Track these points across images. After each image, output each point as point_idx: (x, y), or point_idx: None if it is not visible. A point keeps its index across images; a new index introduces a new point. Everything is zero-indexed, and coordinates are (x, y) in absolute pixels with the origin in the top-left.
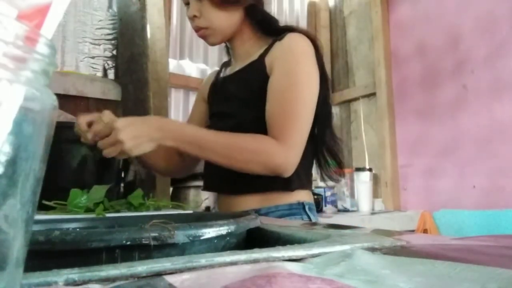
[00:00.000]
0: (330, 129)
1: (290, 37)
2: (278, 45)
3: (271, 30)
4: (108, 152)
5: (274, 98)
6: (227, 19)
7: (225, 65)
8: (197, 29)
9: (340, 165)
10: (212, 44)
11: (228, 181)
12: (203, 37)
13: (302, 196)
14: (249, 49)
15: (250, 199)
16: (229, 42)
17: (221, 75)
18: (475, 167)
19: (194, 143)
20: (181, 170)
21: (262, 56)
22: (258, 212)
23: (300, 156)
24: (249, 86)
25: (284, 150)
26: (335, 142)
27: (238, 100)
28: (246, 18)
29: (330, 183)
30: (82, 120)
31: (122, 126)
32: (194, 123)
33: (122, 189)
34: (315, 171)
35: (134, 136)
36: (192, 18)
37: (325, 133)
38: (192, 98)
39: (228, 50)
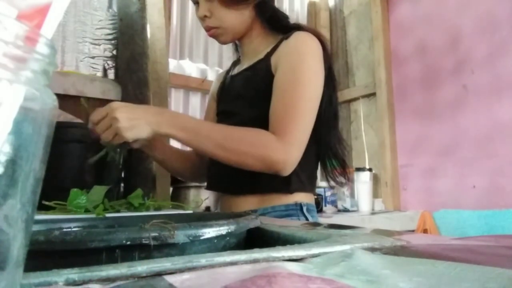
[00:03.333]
0: (335, 131)
1: (297, 36)
2: (284, 44)
3: (280, 27)
4: (106, 136)
5: (277, 95)
6: (238, 18)
7: (235, 63)
8: (208, 29)
9: (343, 166)
10: (224, 43)
11: (230, 181)
12: (214, 36)
13: (301, 197)
14: (257, 47)
15: (249, 200)
16: (238, 40)
17: (230, 73)
18: (475, 167)
19: (190, 130)
20: (202, 175)
21: (268, 55)
22: (254, 212)
23: (300, 155)
24: (254, 84)
25: (283, 147)
26: (341, 144)
27: (243, 98)
28: (256, 15)
29: (332, 183)
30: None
31: (118, 105)
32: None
33: (122, 189)
34: (319, 173)
35: (129, 117)
36: (203, 18)
37: (330, 134)
38: (192, 98)
39: (236, 48)
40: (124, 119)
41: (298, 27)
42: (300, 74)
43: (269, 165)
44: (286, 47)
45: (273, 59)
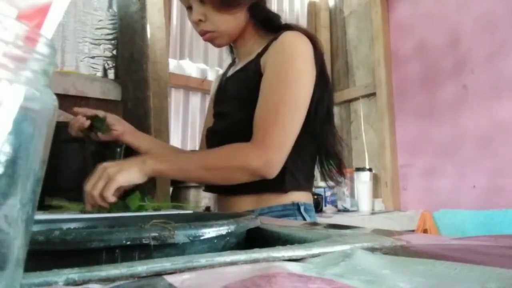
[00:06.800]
0: (331, 129)
1: (284, 36)
2: (273, 45)
3: (271, 27)
4: (104, 190)
5: (262, 98)
6: (233, 21)
7: (231, 65)
8: (203, 33)
9: (340, 166)
10: (219, 46)
11: None
12: (210, 40)
13: (298, 197)
14: (251, 48)
15: (246, 200)
16: (232, 42)
17: (226, 75)
18: (475, 167)
19: (172, 160)
20: None
21: (259, 56)
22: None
23: (283, 156)
24: (246, 85)
25: (261, 152)
26: (336, 143)
27: (236, 100)
28: (249, 17)
29: (330, 182)
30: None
31: (104, 164)
32: (209, 124)
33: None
34: (316, 171)
35: (115, 165)
36: (197, 22)
37: (325, 133)
38: (192, 98)
39: (231, 50)
40: (111, 167)
41: (287, 27)
42: (285, 75)
43: (251, 172)
44: (275, 47)
45: (263, 60)
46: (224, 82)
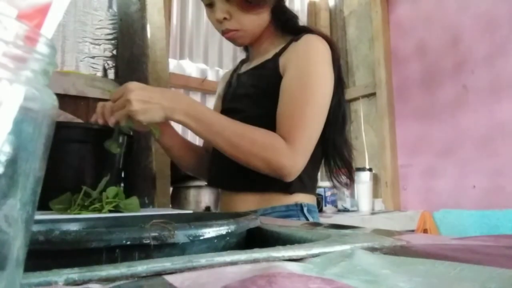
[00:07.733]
0: (342, 134)
1: (306, 39)
2: (293, 46)
3: (289, 28)
4: (117, 116)
5: (286, 99)
6: (257, 21)
7: (243, 62)
8: (227, 31)
9: (349, 169)
10: (241, 45)
11: (231, 177)
12: (233, 39)
13: (301, 198)
14: (267, 47)
15: (249, 198)
16: None
17: (237, 71)
18: (475, 167)
19: (204, 121)
20: (206, 169)
21: (276, 55)
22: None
23: (305, 162)
24: (261, 83)
25: (291, 154)
26: (347, 147)
27: (248, 97)
28: (271, 17)
29: (337, 184)
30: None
31: (134, 87)
32: None
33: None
34: (323, 173)
35: (143, 99)
36: (221, 21)
37: (337, 137)
38: (192, 98)
39: (246, 48)
40: (137, 102)
41: (307, 30)
42: (309, 78)
43: (275, 170)
44: (296, 49)
45: (282, 60)
46: (236, 79)
